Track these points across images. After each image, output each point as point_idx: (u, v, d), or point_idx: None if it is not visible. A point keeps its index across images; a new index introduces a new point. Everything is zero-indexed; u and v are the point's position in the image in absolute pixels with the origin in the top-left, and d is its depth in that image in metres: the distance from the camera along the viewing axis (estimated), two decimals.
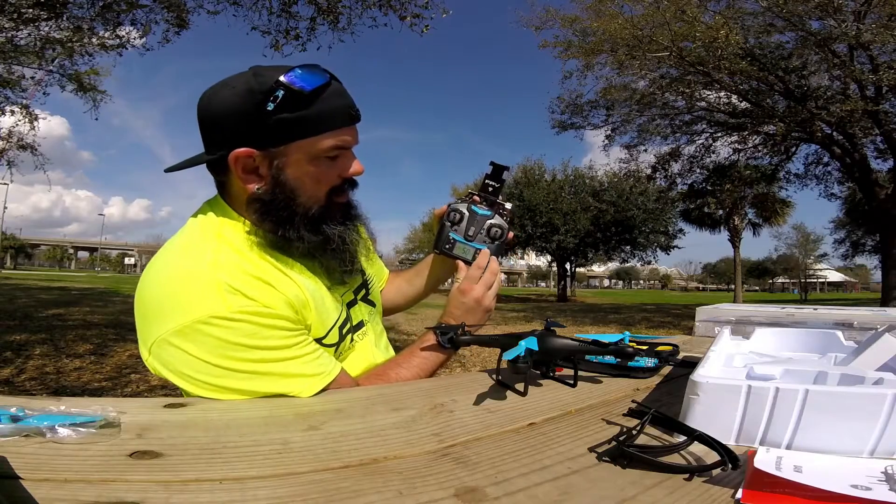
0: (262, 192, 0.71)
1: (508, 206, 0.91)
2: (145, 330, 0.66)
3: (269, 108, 0.67)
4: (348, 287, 0.86)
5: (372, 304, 0.94)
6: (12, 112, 8.72)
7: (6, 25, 6.15)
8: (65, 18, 6.14)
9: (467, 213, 0.89)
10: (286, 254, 0.74)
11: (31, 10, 5.78)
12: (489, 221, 0.88)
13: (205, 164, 0.75)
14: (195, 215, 0.77)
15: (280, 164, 0.71)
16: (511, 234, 0.90)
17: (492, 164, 0.90)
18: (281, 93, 0.66)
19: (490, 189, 0.90)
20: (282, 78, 0.67)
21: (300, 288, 0.72)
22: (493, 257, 0.88)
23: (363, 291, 0.91)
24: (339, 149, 0.73)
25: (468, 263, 0.88)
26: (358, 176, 0.78)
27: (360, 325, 0.88)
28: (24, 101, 8.77)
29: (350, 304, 0.86)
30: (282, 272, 0.72)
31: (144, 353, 0.66)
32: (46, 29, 6.62)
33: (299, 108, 0.68)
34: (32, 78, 8.28)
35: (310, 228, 0.74)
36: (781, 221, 20.85)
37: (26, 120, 8.95)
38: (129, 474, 0.41)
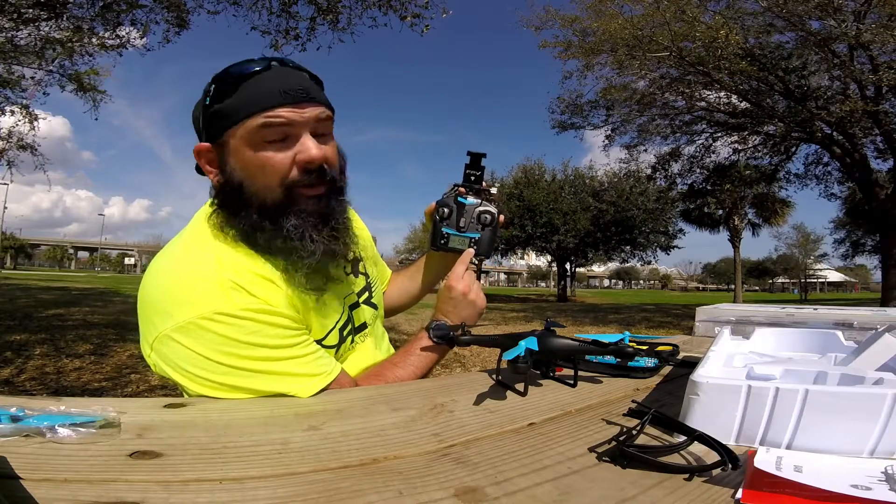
0: (216, 182, 0.74)
1: (494, 190, 0.93)
2: (148, 326, 0.66)
3: (206, 103, 0.70)
4: (352, 289, 0.86)
5: (374, 307, 0.94)
6: (12, 112, 8.72)
7: (6, 25, 6.14)
8: (65, 18, 6.14)
9: (455, 206, 0.91)
10: (256, 247, 0.71)
11: (31, 10, 5.78)
12: (477, 209, 0.90)
13: None
14: (201, 211, 0.77)
15: (224, 155, 0.72)
16: (502, 217, 0.92)
17: (469, 153, 0.91)
18: (213, 86, 0.70)
19: (472, 178, 0.91)
20: (216, 73, 0.70)
21: (301, 288, 0.72)
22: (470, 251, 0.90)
23: (366, 294, 0.91)
24: (270, 127, 0.67)
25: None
26: (311, 163, 0.69)
27: (363, 326, 0.88)
28: (24, 101, 8.77)
29: (353, 307, 0.86)
30: (284, 271, 0.72)
31: (146, 350, 0.67)
32: (46, 29, 6.61)
33: (226, 97, 0.69)
34: (32, 78, 8.27)
35: (269, 219, 0.70)
36: (781, 221, 20.86)
37: (26, 120, 8.94)
38: (129, 474, 0.40)
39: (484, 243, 0.90)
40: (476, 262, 0.92)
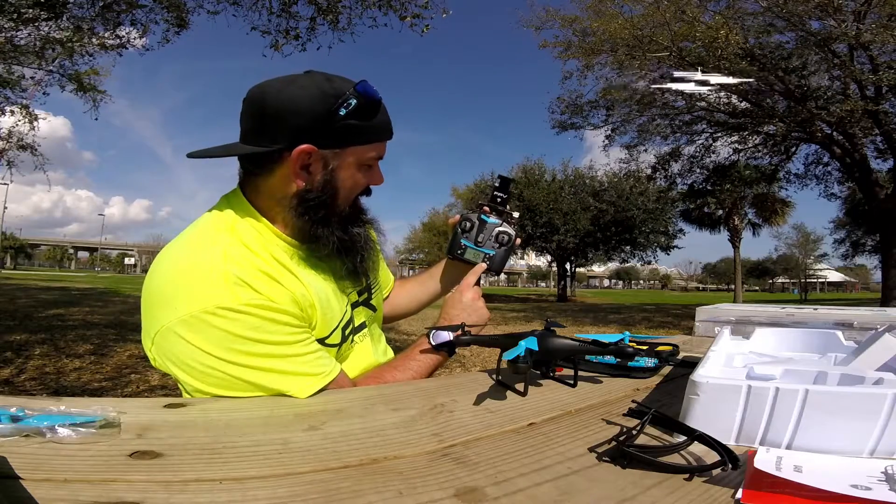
0: (309, 189, 0.74)
1: (516, 214, 0.99)
2: (151, 319, 0.66)
3: (340, 113, 0.71)
4: (354, 289, 0.87)
5: (373, 308, 0.95)
6: (12, 112, 8.71)
7: (6, 25, 6.14)
8: (65, 18, 6.13)
9: (477, 222, 0.96)
10: (309, 252, 0.77)
11: (31, 10, 5.78)
12: (497, 229, 0.96)
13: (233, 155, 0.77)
14: (211, 209, 0.78)
15: (335, 166, 0.75)
16: (518, 241, 0.97)
17: (500, 177, 0.98)
18: (354, 101, 0.71)
19: (499, 200, 0.97)
20: (357, 88, 0.72)
21: (306, 288, 0.73)
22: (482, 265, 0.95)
23: (366, 295, 0.92)
24: (377, 159, 0.81)
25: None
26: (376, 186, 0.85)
27: (362, 326, 0.89)
28: (24, 101, 8.77)
29: (354, 306, 0.87)
30: (289, 271, 0.73)
31: (147, 344, 0.67)
32: (46, 29, 6.61)
33: (365, 118, 0.74)
34: (32, 78, 8.28)
35: (340, 229, 0.78)
36: (781, 221, 20.85)
37: (26, 120, 8.94)
38: (129, 474, 0.41)
39: (497, 260, 0.95)
40: (475, 263, 0.96)
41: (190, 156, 0.75)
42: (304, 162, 0.73)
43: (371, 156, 0.78)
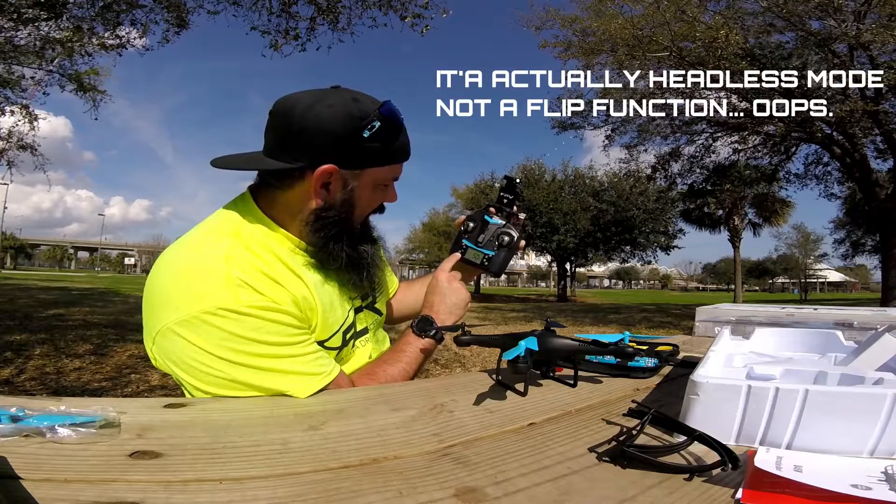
0: (327, 207, 0.75)
1: (522, 216, 0.97)
2: (152, 319, 0.66)
3: (363, 135, 0.72)
4: (357, 294, 0.88)
5: (378, 312, 0.95)
6: (12, 112, 8.72)
7: (6, 25, 6.14)
8: (65, 18, 6.14)
9: (480, 223, 0.96)
10: (323, 265, 0.78)
11: (31, 10, 5.78)
12: (499, 230, 0.95)
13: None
14: (217, 212, 0.78)
15: (353, 186, 0.76)
16: (522, 243, 0.96)
17: (506, 177, 0.97)
18: (377, 123, 0.72)
19: (505, 201, 0.96)
20: (381, 110, 0.73)
21: (310, 290, 0.74)
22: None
23: (370, 299, 0.93)
24: (394, 180, 0.82)
25: (478, 267, 0.94)
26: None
27: (364, 331, 0.89)
28: (24, 101, 8.77)
29: (357, 311, 0.87)
30: (294, 273, 0.73)
31: (148, 343, 0.67)
32: (46, 29, 6.62)
33: (387, 140, 0.75)
34: (32, 78, 8.28)
35: (350, 245, 0.79)
36: (781, 221, 20.83)
37: (26, 120, 8.94)
38: (129, 474, 0.41)
39: (496, 262, 0.94)
40: (474, 263, 0.95)
41: (214, 164, 0.76)
42: (325, 181, 0.74)
43: (387, 176, 0.80)
